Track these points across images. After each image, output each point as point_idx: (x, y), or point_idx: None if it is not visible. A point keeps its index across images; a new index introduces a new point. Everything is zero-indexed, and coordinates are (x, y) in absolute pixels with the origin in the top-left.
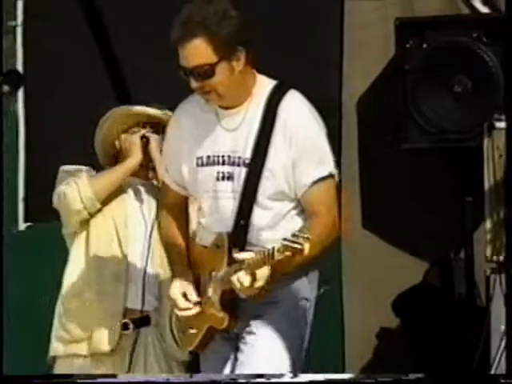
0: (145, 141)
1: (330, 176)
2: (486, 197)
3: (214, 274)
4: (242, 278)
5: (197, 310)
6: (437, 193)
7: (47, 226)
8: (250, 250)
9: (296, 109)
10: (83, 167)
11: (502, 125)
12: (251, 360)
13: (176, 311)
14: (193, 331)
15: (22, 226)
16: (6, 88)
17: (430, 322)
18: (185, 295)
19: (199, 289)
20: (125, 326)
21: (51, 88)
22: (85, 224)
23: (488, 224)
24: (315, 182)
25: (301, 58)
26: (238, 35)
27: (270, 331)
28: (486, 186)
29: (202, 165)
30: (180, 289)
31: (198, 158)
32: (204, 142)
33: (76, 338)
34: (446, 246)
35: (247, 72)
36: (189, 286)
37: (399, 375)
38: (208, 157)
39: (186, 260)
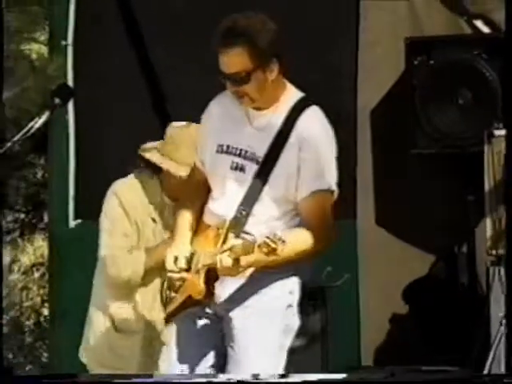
0: None
1: (329, 191)
2: (486, 197)
3: (208, 251)
4: (224, 259)
5: (182, 275)
6: (442, 193)
7: (96, 223)
8: (244, 238)
9: (312, 124)
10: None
11: (500, 133)
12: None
13: (168, 276)
14: (174, 295)
15: (72, 223)
16: (57, 100)
17: (436, 308)
18: (176, 259)
19: (191, 261)
20: None
21: (98, 101)
22: None
23: (488, 221)
24: (314, 193)
25: (318, 71)
26: (274, 47)
27: (252, 324)
28: (486, 187)
29: (221, 152)
30: (173, 254)
31: (219, 145)
32: (228, 133)
33: None
34: (451, 241)
35: (278, 81)
36: (181, 254)
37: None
38: (228, 146)
39: (187, 234)
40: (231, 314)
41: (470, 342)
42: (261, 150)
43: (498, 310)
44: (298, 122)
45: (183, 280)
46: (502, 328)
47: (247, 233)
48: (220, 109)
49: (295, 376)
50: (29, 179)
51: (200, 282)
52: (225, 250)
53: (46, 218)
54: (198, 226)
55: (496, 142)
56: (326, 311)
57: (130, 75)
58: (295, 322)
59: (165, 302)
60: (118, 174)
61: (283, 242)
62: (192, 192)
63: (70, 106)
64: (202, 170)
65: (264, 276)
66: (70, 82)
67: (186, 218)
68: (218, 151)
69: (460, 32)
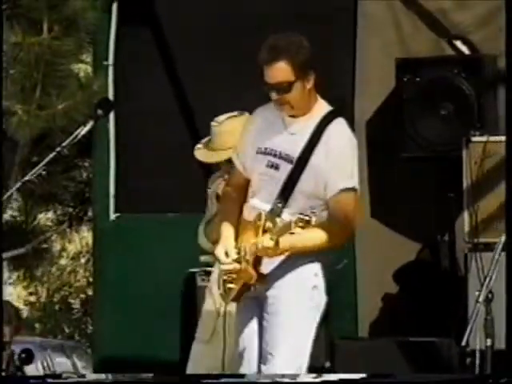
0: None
1: (353, 189)
2: (464, 194)
3: (252, 241)
4: (265, 241)
5: (235, 266)
6: (427, 190)
7: (133, 216)
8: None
9: (338, 133)
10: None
11: (476, 139)
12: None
13: (219, 266)
14: (231, 286)
15: (113, 216)
16: (99, 112)
17: (422, 288)
18: (226, 253)
19: (239, 253)
20: None
21: (134, 112)
22: None
23: (466, 214)
24: (341, 191)
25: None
26: (310, 61)
27: (285, 301)
28: (464, 185)
29: (260, 153)
30: (223, 248)
31: (258, 148)
32: (267, 137)
33: None
34: (434, 231)
35: (312, 92)
36: (230, 247)
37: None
38: (265, 148)
39: (232, 229)
40: (268, 293)
41: (451, 317)
42: (294, 152)
43: (474, 289)
44: (326, 131)
45: (236, 270)
46: (478, 305)
47: (281, 221)
48: (262, 118)
49: (308, 376)
50: (76, 179)
51: (251, 271)
52: (265, 232)
53: (90, 212)
54: (240, 223)
55: (473, 147)
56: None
57: (161, 89)
58: (321, 299)
59: (224, 294)
60: (151, 173)
61: (314, 213)
62: (235, 193)
63: (111, 116)
64: (242, 172)
65: (294, 261)
66: (111, 97)
67: (229, 216)
68: (257, 152)
69: (441, 51)
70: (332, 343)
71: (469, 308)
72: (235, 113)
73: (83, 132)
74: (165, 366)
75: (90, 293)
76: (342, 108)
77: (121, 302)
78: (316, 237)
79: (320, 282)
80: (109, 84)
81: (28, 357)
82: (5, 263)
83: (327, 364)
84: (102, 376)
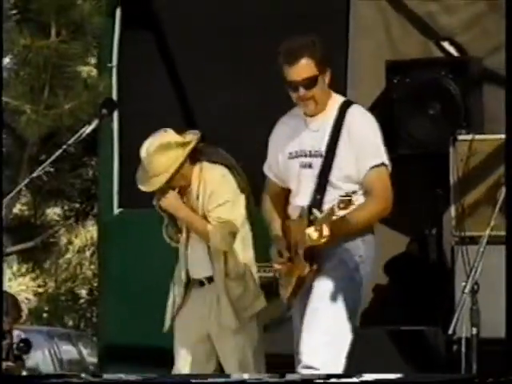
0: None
1: (383, 165)
2: (451, 189)
3: (299, 237)
4: (311, 234)
5: (288, 264)
6: (416, 187)
7: (136, 211)
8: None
9: (357, 116)
10: None
11: (463, 137)
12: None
13: (275, 266)
14: (286, 284)
15: (116, 211)
16: (103, 111)
17: (410, 280)
18: (279, 253)
19: (290, 252)
20: None
21: (137, 111)
22: None
23: (452, 209)
24: (372, 168)
25: None
26: (326, 57)
27: (331, 281)
28: (451, 181)
29: (292, 157)
30: (276, 249)
31: (289, 153)
32: (294, 141)
33: None
34: (422, 225)
35: (328, 89)
36: (282, 248)
37: None
38: (296, 151)
39: (280, 230)
40: (316, 279)
41: (438, 307)
42: (321, 146)
43: (461, 280)
44: (345, 118)
45: (289, 267)
46: (464, 296)
47: (323, 212)
48: (285, 126)
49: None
50: (82, 176)
51: (303, 263)
52: (311, 224)
53: (95, 208)
54: (286, 224)
55: (459, 145)
56: None
57: (163, 90)
58: (362, 280)
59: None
60: None
61: (355, 192)
62: (274, 201)
63: (115, 116)
64: (277, 182)
65: (339, 245)
66: (115, 97)
67: (275, 218)
68: (289, 158)
69: (430, 53)
70: None
71: (455, 298)
72: (159, 133)
73: (88, 131)
74: (167, 354)
75: (95, 284)
76: None
77: (124, 292)
78: (359, 215)
79: (364, 264)
80: (113, 85)
81: (26, 346)
82: (14, 256)
83: None
84: (104, 376)
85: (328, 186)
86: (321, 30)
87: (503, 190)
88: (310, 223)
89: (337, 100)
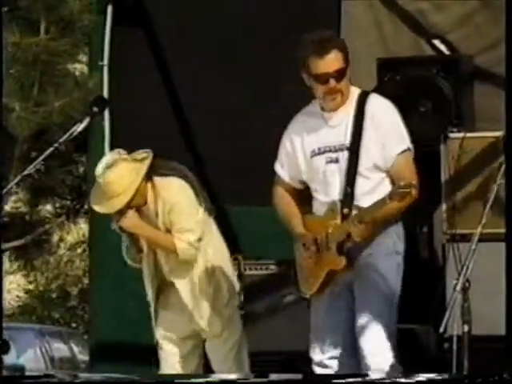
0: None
1: (409, 149)
2: (442, 187)
3: (330, 231)
4: (354, 231)
5: (313, 260)
6: None
7: None
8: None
9: (378, 105)
10: None
11: (454, 135)
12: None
13: (300, 262)
14: (312, 279)
15: None
16: (95, 109)
17: (402, 277)
18: (304, 247)
19: (317, 246)
20: None
21: (128, 109)
22: None
23: (444, 206)
24: (399, 154)
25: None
26: (347, 50)
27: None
28: (442, 179)
29: (316, 155)
30: (301, 243)
31: (312, 151)
32: (315, 139)
33: None
34: (414, 222)
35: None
36: (309, 242)
37: None
38: (319, 148)
39: (302, 224)
40: (357, 275)
41: (430, 305)
42: (346, 140)
43: (452, 278)
44: (366, 107)
45: (317, 261)
46: (455, 293)
47: (356, 206)
48: (300, 126)
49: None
50: (73, 173)
51: (337, 257)
52: (344, 219)
53: (86, 205)
54: (306, 220)
55: (450, 142)
56: None
57: (154, 88)
58: (401, 275)
59: (303, 287)
60: None
61: (413, 185)
62: (287, 197)
63: (106, 114)
64: (289, 182)
65: (376, 241)
66: (106, 95)
67: (293, 216)
68: (311, 156)
69: (421, 51)
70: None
71: (447, 296)
72: (111, 156)
73: (79, 129)
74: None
75: (86, 281)
76: None
77: (115, 290)
78: (393, 204)
79: (402, 260)
80: (104, 83)
81: (4, 347)
82: (6, 253)
83: None
84: (107, 376)
85: (358, 178)
86: (312, 28)
87: (494, 187)
88: (344, 217)
89: (354, 92)
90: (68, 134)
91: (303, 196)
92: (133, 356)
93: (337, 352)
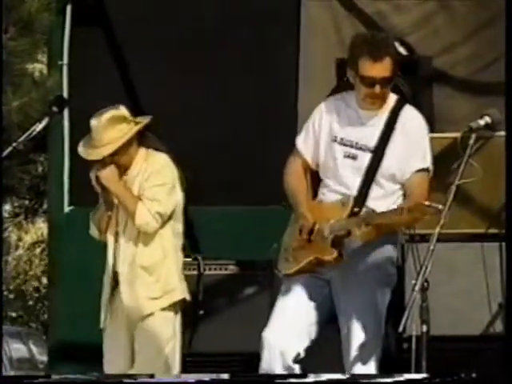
0: (99, 181)
1: (428, 170)
2: None
3: (332, 221)
4: (357, 231)
5: (303, 242)
6: None
7: (86, 209)
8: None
9: (412, 117)
10: None
11: None
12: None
13: (288, 241)
14: (293, 260)
15: (67, 209)
16: (54, 109)
17: None
18: (300, 229)
19: (312, 232)
20: None
21: (87, 108)
22: None
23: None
24: (418, 171)
25: (266, 81)
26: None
27: (361, 287)
28: None
29: (336, 141)
30: (299, 224)
31: (334, 136)
32: (342, 127)
33: None
34: None
35: None
36: (305, 227)
37: None
38: (342, 138)
39: (305, 205)
40: (343, 277)
41: (389, 305)
42: (371, 142)
43: (411, 278)
44: (400, 117)
45: (304, 244)
46: (414, 293)
47: (368, 207)
48: (334, 108)
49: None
50: (31, 173)
51: (331, 248)
52: (353, 215)
53: (45, 205)
54: (314, 203)
55: None
56: (273, 280)
57: (113, 87)
58: (393, 280)
59: (282, 266)
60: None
61: (439, 210)
62: (300, 174)
63: (65, 113)
64: (308, 159)
65: (373, 245)
66: (65, 94)
67: (300, 194)
68: (332, 141)
69: None
70: None
71: (406, 296)
72: (112, 108)
73: (39, 128)
74: None
75: (45, 281)
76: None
77: (74, 290)
78: (399, 218)
79: (395, 256)
80: (63, 82)
81: None
82: None
83: None
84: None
85: (374, 183)
86: (272, 28)
87: (453, 188)
88: (352, 214)
89: (391, 97)
90: (27, 133)
91: (316, 179)
92: (92, 356)
93: (296, 339)
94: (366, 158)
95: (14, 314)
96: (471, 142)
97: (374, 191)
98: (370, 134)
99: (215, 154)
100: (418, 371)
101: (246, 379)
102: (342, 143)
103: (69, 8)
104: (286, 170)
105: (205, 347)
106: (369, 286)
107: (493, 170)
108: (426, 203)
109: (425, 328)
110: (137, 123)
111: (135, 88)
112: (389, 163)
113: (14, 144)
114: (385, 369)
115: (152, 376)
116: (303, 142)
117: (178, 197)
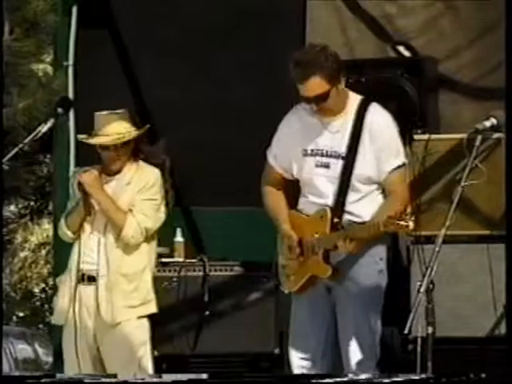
0: (82, 187)
1: (403, 165)
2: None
3: (317, 236)
4: (343, 247)
5: (298, 260)
6: None
7: None
8: (348, 219)
9: (378, 116)
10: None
11: (419, 137)
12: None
13: (282, 260)
14: (294, 277)
15: None
16: (59, 110)
17: None
18: (289, 248)
19: (301, 246)
20: None
21: (93, 110)
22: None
23: (408, 208)
24: (394, 170)
25: (270, 83)
26: (337, 67)
27: (356, 291)
28: (407, 180)
29: (307, 155)
30: (286, 244)
31: (304, 150)
32: (308, 139)
33: None
34: None
35: (344, 90)
36: (293, 244)
37: None
38: (311, 150)
39: (289, 224)
40: (340, 283)
41: (394, 306)
42: (341, 147)
43: (416, 279)
44: (365, 118)
45: (302, 262)
46: (420, 295)
47: (348, 212)
48: (297, 120)
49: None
50: (37, 174)
51: (324, 264)
52: (334, 227)
53: (50, 206)
54: (294, 216)
55: (415, 144)
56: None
57: (118, 89)
58: (385, 282)
59: (284, 284)
60: None
61: (410, 219)
62: (276, 190)
63: (71, 114)
64: (281, 173)
65: (362, 249)
66: (71, 95)
67: (281, 212)
68: (303, 155)
69: (385, 55)
70: (282, 331)
71: (411, 298)
72: (120, 110)
73: (44, 129)
74: None
75: (51, 282)
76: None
77: None
78: (374, 230)
79: (385, 265)
80: (68, 83)
81: None
82: None
83: (276, 351)
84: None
85: (350, 188)
86: (276, 30)
87: (459, 189)
88: (333, 225)
89: (355, 99)
90: (33, 134)
91: (294, 186)
92: None
93: (315, 354)
94: (338, 165)
95: (20, 315)
96: (477, 143)
97: (351, 196)
98: (339, 140)
99: (221, 154)
100: (423, 372)
101: (253, 380)
102: (313, 154)
103: (74, 9)
104: (262, 179)
105: (210, 348)
106: (362, 288)
107: (499, 171)
108: (397, 217)
109: (430, 329)
110: (141, 128)
111: (140, 89)
112: (362, 167)
113: (20, 145)
114: (390, 370)
115: (115, 376)
116: (273, 158)
117: (163, 215)
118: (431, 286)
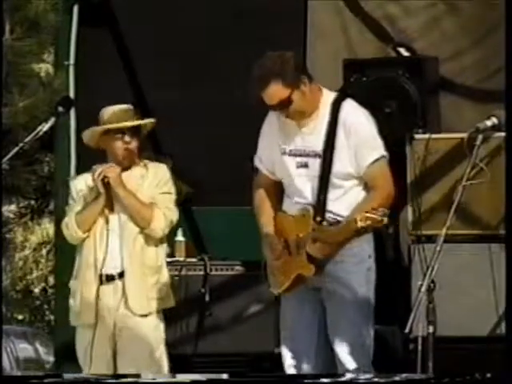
0: (106, 181)
1: (383, 157)
2: (408, 188)
3: (301, 235)
4: (316, 249)
5: (282, 260)
6: None
7: None
8: (330, 218)
9: (352, 111)
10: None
11: (419, 136)
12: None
13: (268, 262)
14: (282, 278)
15: None
16: (60, 109)
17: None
18: (271, 249)
19: (288, 247)
20: None
21: (94, 109)
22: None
23: (409, 208)
24: (372, 163)
25: None
26: (298, 69)
27: (345, 287)
28: (408, 179)
29: (286, 154)
30: (268, 245)
31: (282, 149)
32: (286, 138)
33: None
34: None
35: (314, 89)
36: (275, 244)
37: None
38: (290, 150)
39: (271, 226)
40: (328, 284)
41: (395, 306)
42: (318, 146)
43: (417, 279)
44: (339, 115)
45: (287, 262)
46: (421, 294)
47: (330, 211)
48: (274, 120)
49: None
50: (37, 173)
51: (308, 264)
52: (316, 239)
53: (51, 205)
54: (280, 217)
55: (416, 144)
56: None
57: (120, 88)
58: (373, 278)
59: (272, 284)
60: None
61: (384, 213)
62: (265, 193)
63: (72, 113)
64: (268, 175)
65: (348, 247)
66: (72, 95)
67: (266, 214)
68: (282, 153)
69: (386, 55)
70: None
71: (412, 297)
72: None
73: (45, 128)
74: None
75: (52, 281)
76: None
77: None
78: (349, 229)
79: (373, 263)
80: (70, 83)
81: None
82: None
83: (276, 350)
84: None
85: (330, 186)
86: (278, 31)
87: (460, 189)
88: (319, 224)
89: (329, 96)
90: (34, 133)
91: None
92: None
93: (306, 355)
94: (316, 164)
95: (20, 315)
96: (478, 142)
97: (332, 193)
98: (315, 139)
99: (221, 154)
100: (424, 372)
101: (253, 380)
102: (292, 154)
103: (75, 8)
104: (253, 183)
105: (212, 347)
106: (349, 288)
107: (501, 170)
108: (368, 214)
109: (431, 329)
110: (144, 124)
111: (141, 88)
112: (340, 164)
113: (21, 144)
114: (391, 369)
115: (138, 376)
116: (259, 161)
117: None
118: (432, 285)
